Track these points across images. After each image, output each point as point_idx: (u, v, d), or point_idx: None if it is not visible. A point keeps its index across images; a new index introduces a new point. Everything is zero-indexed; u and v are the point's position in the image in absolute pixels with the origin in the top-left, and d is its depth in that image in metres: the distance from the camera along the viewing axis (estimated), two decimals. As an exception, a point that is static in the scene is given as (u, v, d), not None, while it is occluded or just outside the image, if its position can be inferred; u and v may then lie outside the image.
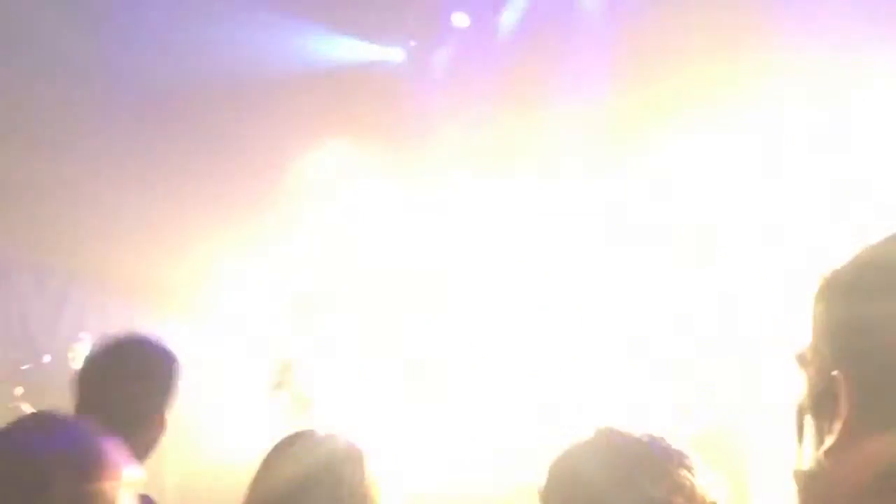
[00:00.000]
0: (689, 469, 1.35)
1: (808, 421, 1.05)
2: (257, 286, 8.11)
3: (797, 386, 1.08)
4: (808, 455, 1.04)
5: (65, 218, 7.74)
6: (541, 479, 1.39)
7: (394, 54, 9.08)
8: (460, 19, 8.70)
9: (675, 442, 1.39)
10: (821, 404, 1.04)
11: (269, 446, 1.87)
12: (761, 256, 6.26)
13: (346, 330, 7.50)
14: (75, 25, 7.19)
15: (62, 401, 2.43)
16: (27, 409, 4.96)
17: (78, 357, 5.94)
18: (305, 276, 8.08)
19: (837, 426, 1.00)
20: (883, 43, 6.07)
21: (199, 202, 7.86)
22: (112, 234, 7.84)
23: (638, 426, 1.40)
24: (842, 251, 1.09)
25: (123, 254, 7.73)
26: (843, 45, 6.19)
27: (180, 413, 2.54)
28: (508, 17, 8.65)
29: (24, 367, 7.25)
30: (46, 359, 7.34)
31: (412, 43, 9.10)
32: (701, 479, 1.35)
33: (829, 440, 1.01)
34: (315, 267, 8.15)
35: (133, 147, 7.73)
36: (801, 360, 1.07)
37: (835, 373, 1.01)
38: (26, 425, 1.46)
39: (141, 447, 2.33)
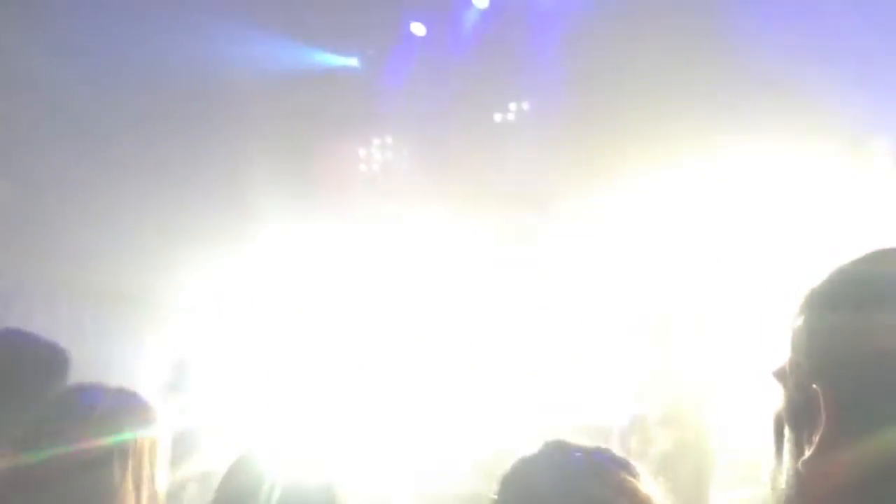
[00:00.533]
0: (633, 475, 1.41)
1: (787, 433, 1.07)
2: (208, 292, 8.00)
3: (775, 399, 1.10)
4: (786, 466, 1.06)
5: (8, 222, 7.59)
6: (493, 493, 1.45)
7: (350, 62, 9.07)
8: (417, 28, 8.72)
9: (621, 453, 1.48)
10: (799, 417, 1.06)
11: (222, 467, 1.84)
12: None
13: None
14: (23, 35, 7.08)
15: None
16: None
17: None
18: (259, 283, 8.01)
19: (816, 437, 1.02)
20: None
21: (150, 209, 7.76)
22: (58, 239, 7.70)
23: (587, 439, 1.47)
24: (817, 268, 1.13)
25: (71, 258, 7.60)
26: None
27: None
28: (465, 28, 8.69)
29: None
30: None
31: (369, 51, 9.10)
32: (646, 484, 1.39)
33: (808, 451, 1.03)
34: (268, 274, 8.08)
35: (84, 153, 7.60)
36: (780, 374, 1.09)
37: (814, 385, 1.03)
38: None
39: None
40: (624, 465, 1.44)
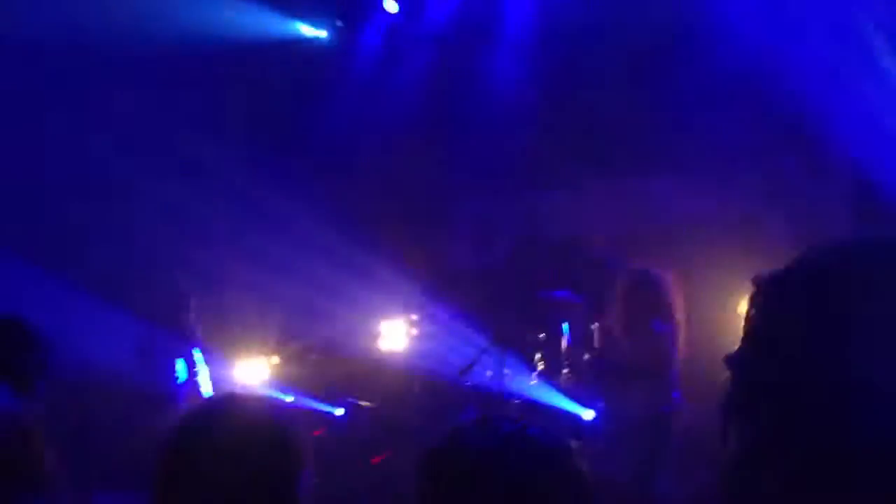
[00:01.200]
0: (563, 449, 1.48)
1: (734, 421, 1.08)
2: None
3: (725, 385, 1.10)
4: (730, 453, 1.07)
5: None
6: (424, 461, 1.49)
7: (320, 34, 8.98)
8: (390, 5, 8.65)
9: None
10: (746, 405, 1.07)
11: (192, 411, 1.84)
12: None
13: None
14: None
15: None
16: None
17: None
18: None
19: (758, 427, 1.03)
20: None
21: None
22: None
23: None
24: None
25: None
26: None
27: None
28: (438, 9, 8.64)
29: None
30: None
31: (338, 23, 9.02)
32: (574, 459, 1.48)
33: (750, 440, 1.04)
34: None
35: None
36: (730, 361, 1.10)
37: (759, 375, 1.04)
38: None
39: None
40: (554, 439, 1.49)
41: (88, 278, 7.00)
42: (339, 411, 7.49)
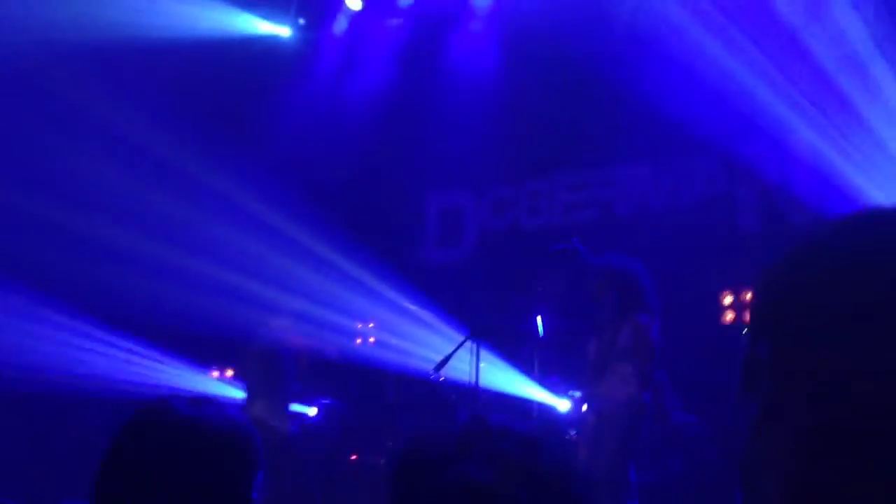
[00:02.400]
0: None
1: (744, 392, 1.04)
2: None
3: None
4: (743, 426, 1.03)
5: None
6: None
7: (282, 31, 8.87)
8: (353, 2, 8.57)
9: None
10: (753, 375, 1.03)
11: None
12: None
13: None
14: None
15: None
16: None
17: None
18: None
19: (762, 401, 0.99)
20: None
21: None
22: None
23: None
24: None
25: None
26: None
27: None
28: (403, 2, 8.58)
29: None
30: None
31: (301, 20, 8.92)
32: None
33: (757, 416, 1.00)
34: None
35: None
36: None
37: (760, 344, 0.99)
38: None
39: None
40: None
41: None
42: (313, 411, 7.41)
